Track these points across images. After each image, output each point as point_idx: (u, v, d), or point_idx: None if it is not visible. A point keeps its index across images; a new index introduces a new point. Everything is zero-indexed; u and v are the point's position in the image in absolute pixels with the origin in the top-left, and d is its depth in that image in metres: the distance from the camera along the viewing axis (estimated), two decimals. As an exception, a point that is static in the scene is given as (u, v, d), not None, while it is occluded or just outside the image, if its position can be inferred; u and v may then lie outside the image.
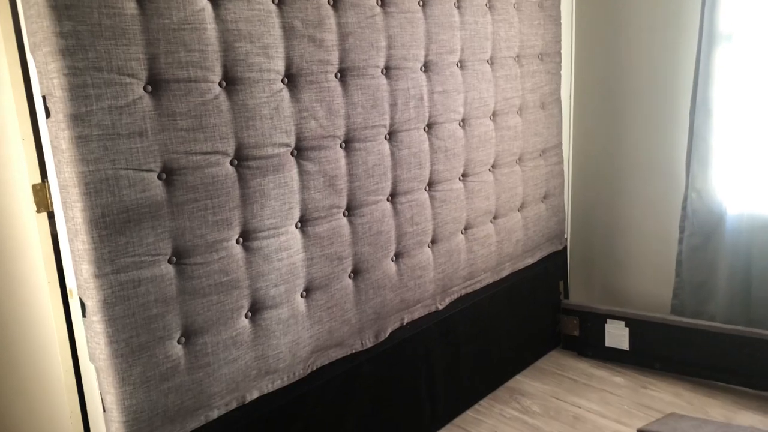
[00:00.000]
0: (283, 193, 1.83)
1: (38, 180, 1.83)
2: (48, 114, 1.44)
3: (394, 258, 2.21)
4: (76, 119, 1.41)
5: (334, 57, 1.91)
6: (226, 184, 1.70)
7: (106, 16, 1.43)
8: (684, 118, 2.76)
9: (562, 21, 2.90)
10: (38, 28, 1.38)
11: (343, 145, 1.99)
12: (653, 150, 2.97)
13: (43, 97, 1.44)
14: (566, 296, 3.09)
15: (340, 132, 1.96)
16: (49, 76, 1.39)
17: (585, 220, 3.31)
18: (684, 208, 2.78)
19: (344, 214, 2.03)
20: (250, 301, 1.80)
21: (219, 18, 1.63)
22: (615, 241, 3.22)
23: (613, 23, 2.98)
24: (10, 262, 1.89)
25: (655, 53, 2.86)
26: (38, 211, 1.84)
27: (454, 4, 2.27)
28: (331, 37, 1.89)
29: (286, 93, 1.81)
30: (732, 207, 2.66)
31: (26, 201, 1.83)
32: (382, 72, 2.06)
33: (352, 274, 2.08)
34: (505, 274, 2.71)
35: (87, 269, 1.49)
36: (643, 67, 2.91)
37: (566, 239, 3.10)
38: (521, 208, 2.74)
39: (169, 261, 1.61)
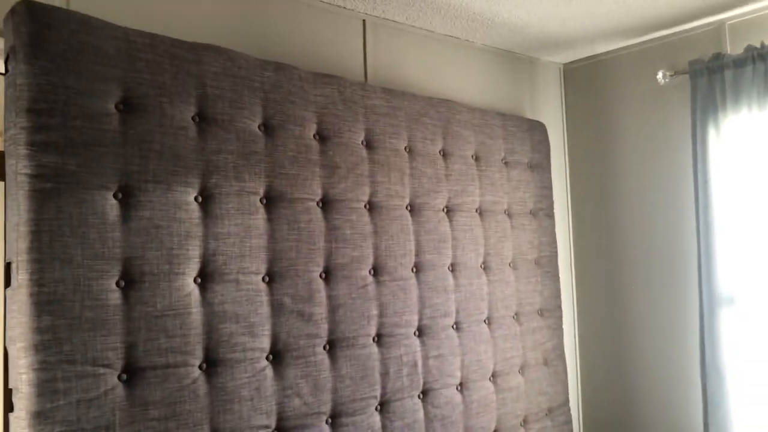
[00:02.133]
0: (259, 482, 1.68)
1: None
2: (11, 408, 1.38)
3: None
4: (39, 416, 1.35)
5: (323, 330, 1.89)
6: (196, 476, 1.57)
7: (87, 309, 1.43)
8: (695, 378, 2.63)
9: (569, 274, 2.93)
10: (17, 323, 1.37)
11: (329, 421, 1.87)
12: (668, 409, 2.79)
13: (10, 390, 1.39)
14: None
15: (326, 408, 1.86)
16: (18, 370, 1.36)
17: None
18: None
19: (328, 500, 1.84)
20: None
21: (205, 301, 1.64)
22: None
23: (614, 280, 2.99)
24: None
25: (658, 313, 2.82)
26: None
27: (448, 268, 2.30)
28: (320, 311, 1.89)
29: (269, 371, 1.75)
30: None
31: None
32: (373, 340, 2.02)
33: None
34: None
35: None
36: (648, 324, 2.86)
37: None
38: (529, 476, 2.51)
39: None
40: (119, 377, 1.47)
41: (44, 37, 1.43)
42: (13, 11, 1.43)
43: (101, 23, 1.54)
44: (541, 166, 2.77)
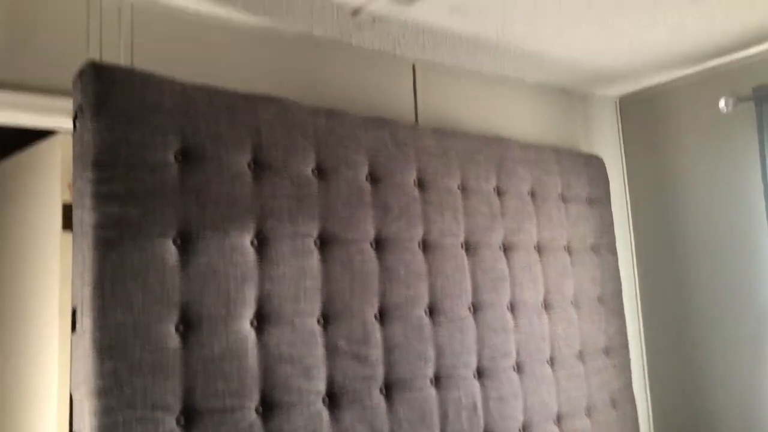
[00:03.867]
0: None
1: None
2: (77, 452, 1.42)
3: None
4: (101, 460, 1.38)
5: (379, 372, 1.87)
6: None
7: (147, 352, 1.47)
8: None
9: (635, 311, 2.81)
10: (81, 367, 1.42)
11: (387, 467, 1.84)
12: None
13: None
14: None
15: (384, 453, 1.83)
16: (82, 415, 1.40)
17: None
18: None
19: None
20: None
21: (261, 344, 1.66)
22: None
23: (682, 312, 2.85)
24: None
25: (729, 341, 2.66)
26: None
27: (507, 307, 2.25)
28: (376, 353, 1.87)
29: (325, 414, 1.74)
30: None
31: None
32: (430, 382, 1.98)
33: None
34: None
35: None
36: (720, 354, 2.70)
37: None
38: None
39: None
40: (177, 421, 1.49)
41: (109, 94, 1.51)
42: (81, 73, 1.53)
43: (161, 79, 1.62)
44: (600, 200, 2.70)
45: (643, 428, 2.89)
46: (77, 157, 1.50)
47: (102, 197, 1.46)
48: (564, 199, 2.56)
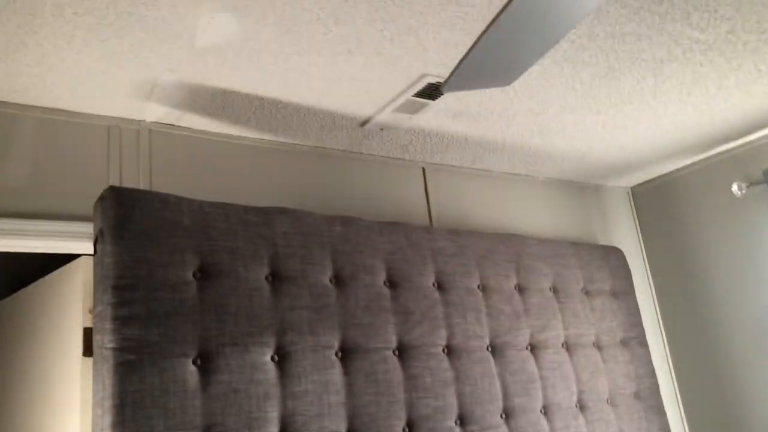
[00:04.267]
0: None
1: None
2: None
3: None
4: None
5: (412, 490, 1.75)
6: None
7: (168, 483, 1.39)
8: None
9: (676, 406, 2.67)
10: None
11: None
12: None
13: None
14: None
15: None
16: None
17: None
18: None
19: None
20: None
21: (286, 466, 1.57)
22: None
23: (724, 402, 2.70)
24: None
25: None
26: None
27: (541, 411, 2.14)
28: (407, 469, 1.76)
29: None
30: None
31: None
32: (467, 500, 1.85)
33: None
34: None
35: None
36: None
37: None
38: None
39: None
40: None
41: (129, 218, 1.54)
42: (102, 198, 1.57)
43: (178, 199, 1.66)
44: (624, 292, 2.64)
45: None
46: (98, 281, 1.50)
47: (122, 319, 1.45)
48: (587, 293, 2.51)
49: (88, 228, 1.70)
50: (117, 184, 1.83)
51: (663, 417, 2.52)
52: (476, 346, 2.07)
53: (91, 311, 1.52)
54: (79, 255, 1.82)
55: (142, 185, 1.88)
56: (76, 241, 1.72)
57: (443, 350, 2.00)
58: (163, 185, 1.90)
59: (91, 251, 1.72)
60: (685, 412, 2.85)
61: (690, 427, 2.83)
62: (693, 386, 2.83)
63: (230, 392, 1.55)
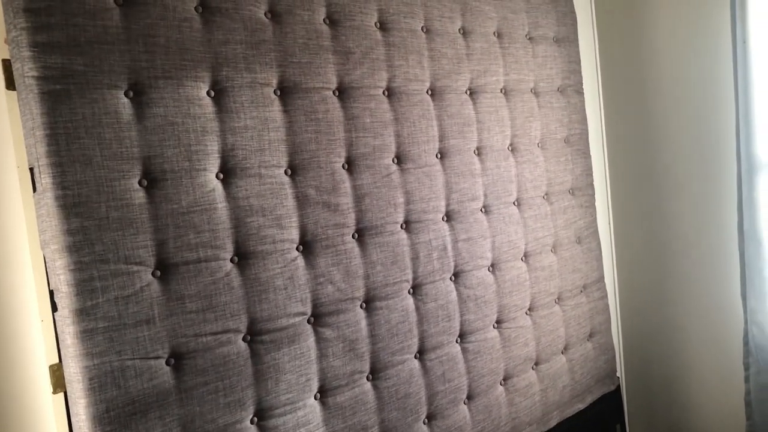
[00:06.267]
0: (299, 365, 1.75)
1: (56, 360, 1.82)
2: (54, 308, 1.44)
3: (425, 421, 2.06)
4: (82, 314, 1.40)
5: (351, 219, 1.89)
6: (238, 363, 1.64)
7: (113, 209, 1.45)
8: (732, 248, 2.59)
9: (600, 151, 2.85)
10: (47, 226, 1.40)
11: (364, 305, 1.92)
12: (703, 281, 2.78)
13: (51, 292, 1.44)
14: (626, 442, 2.81)
15: (360, 293, 1.90)
16: (56, 272, 1.40)
17: (639, 357, 3.08)
18: (746, 343, 2.54)
19: (368, 379, 1.92)
20: (267, 485, 1.68)
21: (230, 196, 1.64)
22: (674, 380, 2.96)
23: (647, 153, 2.91)
24: (28, 444, 1.84)
25: (694, 183, 2.75)
26: (54, 392, 1.80)
27: (474, 152, 2.25)
28: (346, 201, 1.88)
29: (300, 261, 1.78)
30: (801, 342, 2.42)
31: (43, 381, 1.80)
32: (401, 227, 2.02)
33: (379, 443, 1.93)
34: (553, 424, 2.49)
35: (89, 468, 1.42)
36: (684, 195, 2.80)
37: (619, 378, 2.86)
38: (565, 350, 2.56)
39: (178, 450, 1.53)
40: (153, 274, 1.51)
41: (30, -70, 1.36)
42: None
43: None
44: (567, 39, 2.63)
45: (606, 262, 3.04)
46: (6, 4, 1.37)
47: (41, 47, 1.36)
48: (531, 39, 2.48)
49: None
50: None
51: (588, 160, 2.70)
52: (416, 89, 2.08)
53: (6, 40, 1.41)
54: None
55: None
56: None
57: (383, 92, 2.00)
58: None
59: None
60: (608, 157, 3.06)
61: (610, 169, 3.07)
62: (620, 133, 3.00)
63: (167, 125, 1.54)
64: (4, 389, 1.67)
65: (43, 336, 1.83)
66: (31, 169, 1.43)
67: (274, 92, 1.74)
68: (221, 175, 1.64)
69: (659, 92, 2.81)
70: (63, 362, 1.45)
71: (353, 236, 1.90)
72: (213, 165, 1.62)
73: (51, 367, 1.83)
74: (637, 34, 2.85)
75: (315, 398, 1.79)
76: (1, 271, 1.57)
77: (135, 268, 1.48)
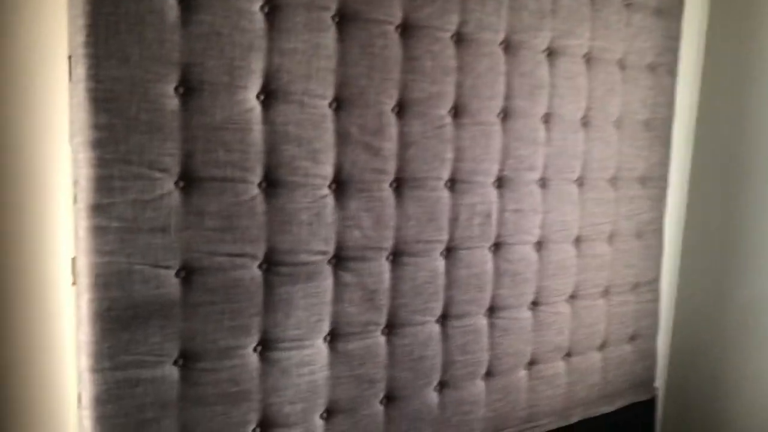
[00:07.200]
0: (313, 304, 1.70)
1: (81, 255, 1.84)
2: (75, 200, 1.43)
3: (437, 388, 1.98)
4: (97, 210, 1.39)
5: (391, 166, 1.80)
6: (250, 289, 1.60)
7: (144, 111, 1.42)
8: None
9: (685, 143, 2.61)
10: (76, 118, 1.38)
11: (390, 258, 1.83)
12: (774, 300, 2.52)
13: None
14: (652, 454, 2.64)
15: (388, 244, 1.82)
16: (78, 164, 1.39)
17: (685, 373, 2.86)
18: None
19: (382, 333, 1.85)
20: (260, 416, 1.66)
21: (267, 120, 1.58)
22: (721, 408, 2.74)
23: (740, 155, 2.63)
24: (45, 330, 1.89)
25: (785, 190, 2.47)
26: (73, 284, 1.84)
27: (541, 119, 2.09)
28: (390, 146, 1.78)
29: (330, 199, 1.70)
30: None
31: (65, 273, 1.84)
32: (445, 185, 1.91)
33: (384, 400, 1.88)
34: (574, 420, 2.36)
35: (85, 362, 1.43)
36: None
37: (657, 389, 2.68)
38: (602, 347, 2.40)
39: (175, 363, 1.52)
40: (176, 183, 1.48)
41: None
42: None
43: None
44: (670, 12, 2.37)
45: (667, 265, 2.82)
46: None
47: (89, -71, 1.31)
48: (627, 5, 2.25)
49: None
50: None
51: (667, 149, 2.47)
52: (489, 38, 1.93)
53: (67, -77, 1.38)
54: None
55: None
56: None
57: (451, 36, 1.86)
58: None
59: None
60: (693, 151, 2.80)
61: (693, 165, 2.80)
62: (711, 125, 2.72)
63: (212, 34, 1.48)
64: (30, 277, 1.71)
65: (68, 229, 1.86)
66: (70, 58, 1.40)
67: (332, 17, 1.65)
68: (262, 96, 1.57)
69: (766, 86, 2.51)
70: (76, 256, 1.45)
71: (391, 185, 1.81)
72: (254, 84, 1.55)
73: (73, 258, 1.86)
74: (757, 20, 2.55)
75: (324, 340, 1.74)
76: (41, 156, 1.59)
77: (158, 174, 1.45)
